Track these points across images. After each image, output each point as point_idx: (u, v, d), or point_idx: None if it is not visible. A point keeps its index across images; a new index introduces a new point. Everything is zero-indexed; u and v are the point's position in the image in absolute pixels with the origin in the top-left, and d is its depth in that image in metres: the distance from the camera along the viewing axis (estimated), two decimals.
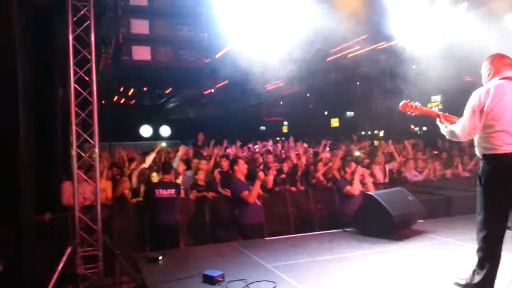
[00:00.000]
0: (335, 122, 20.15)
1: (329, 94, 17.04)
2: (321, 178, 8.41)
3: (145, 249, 6.38)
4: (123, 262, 5.45)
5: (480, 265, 3.22)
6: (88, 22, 5.24)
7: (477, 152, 3.41)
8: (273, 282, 3.55)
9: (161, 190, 6.25)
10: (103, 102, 12.81)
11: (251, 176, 6.24)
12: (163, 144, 8.97)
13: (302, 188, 8.21)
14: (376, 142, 18.33)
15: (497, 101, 3.17)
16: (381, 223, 4.98)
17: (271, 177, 6.98)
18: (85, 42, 5.21)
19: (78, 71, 5.26)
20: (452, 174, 8.83)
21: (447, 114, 3.74)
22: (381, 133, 21.36)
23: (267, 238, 5.26)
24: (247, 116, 20.35)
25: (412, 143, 10.21)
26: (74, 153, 5.36)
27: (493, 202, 3.22)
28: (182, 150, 8.45)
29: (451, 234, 5.01)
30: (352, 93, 16.79)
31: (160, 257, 4.33)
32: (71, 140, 5.37)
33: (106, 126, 5.85)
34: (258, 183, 5.73)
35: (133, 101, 18.67)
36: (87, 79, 5.25)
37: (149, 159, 7.62)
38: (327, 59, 12.83)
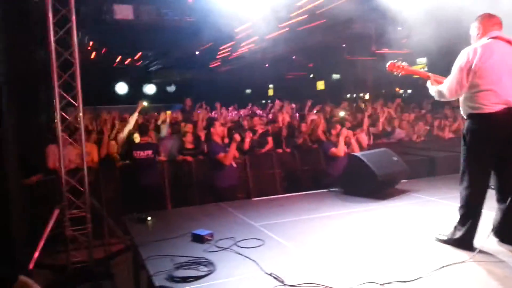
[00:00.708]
0: (321, 85, 20.08)
1: (315, 56, 16.89)
2: (306, 138, 8.48)
3: (132, 211, 6.43)
4: (111, 224, 5.51)
5: (462, 221, 3.33)
6: None
7: (462, 111, 3.45)
8: (260, 239, 3.63)
9: (139, 152, 6.29)
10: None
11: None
12: (145, 103, 8.89)
13: (288, 150, 8.29)
14: (363, 105, 18.43)
15: (484, 60, 3.19)
16: (365, 183, 5.08)
17: (247, 139, 7.02)
18: (63, 1, 5.02)
19: (58, 31, 5.11)
20: (436, 135, 8.97)
21: (436, 75, 3.75)
22: (367, 96, 21.43)
23: (255, 199, 5.34)
24: (232, 79, 20.13)
25: (397, 104, 10.28)
26: (57, 116, 5.28)
27: (477, 161, 3.29)
28: (166, 116, 8.42)
29: (434, 193, 5.13)
30: (338, 56, 16.65)
31: (149, 218, 4.37)
32: (54, 102, 5.28)
33: (89, 90, 5.72)
34: (233, 146, 5.78)
35: (116, 63, 18.24)
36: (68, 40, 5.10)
37: (133, 119, 7.57)
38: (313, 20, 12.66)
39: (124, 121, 8.22)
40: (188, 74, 20.52)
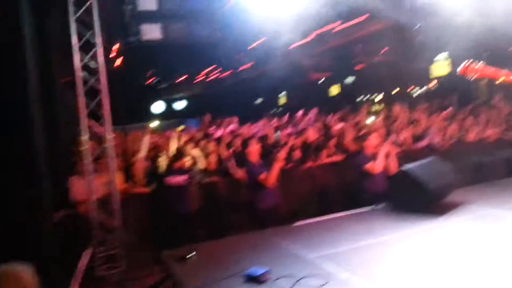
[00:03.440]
0: (334, 90, 19.71)
1: (329, 60, 16.51)
2: (333, 151, 8.11)
3: (162, 241, 6.07)
4: (146, 258, 5.17)
5: None
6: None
7: None
8: (322, 275, 3.25)
9: (172, 177, 5.94)
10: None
11: (265, 155, 5.94)
12: (152, 125, 8.60)
13: (316, 163, 7.90)
14: (375, 107, 17.97)
15: None
16: (417, 198, 4.68)
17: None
18: (87, 25, 4.70)
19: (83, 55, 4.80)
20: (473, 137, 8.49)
21: None
22: (378, 98, 20.96)
23: (297, 224, 4.94)
24: (243, 90, 19.79)
25: (424, 107, 9.86)
26: (85, 147, 4.96)
27: None
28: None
29: (488, 204, 4.73)
30: (352, 58, 16.33)
31: (190, 255, 3.99)
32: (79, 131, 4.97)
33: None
34: (277, 165, 5.43)
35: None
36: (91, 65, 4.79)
37: (145, 145, 7.25)
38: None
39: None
40: (196, 88, 20.22)
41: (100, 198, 5.65)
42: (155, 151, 7.46)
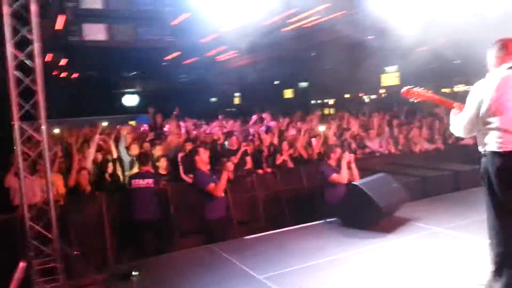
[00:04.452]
0: (288, 93, 19.87)
1: (284, 64, 16.59)
2: (287, 159, 8.05)
3: (107, 250, 5.77)
4: (85, 271, 4.85)
5: (499, 272, 2.98)
6: None
7: (480, 148, 3.12)
8: None
9: (137, 180, 5.69)
10: None
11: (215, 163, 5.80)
12: (104, 123, 8.20)
13: (268, 170, 7.82)
14: (326, 111, 18.31)
15: (499, 96, 2.85)
16: (367, 214, 4.72)
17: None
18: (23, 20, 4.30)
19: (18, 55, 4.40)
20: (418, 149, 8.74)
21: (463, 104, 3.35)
22: (331, 101, 21.36)
23: (247, 238, 4.83)
24: (198, 88, 19.51)
25: (376, 116, 10.01)
26: (18, 150, 4.57)
27: (501, 201, 2.95)
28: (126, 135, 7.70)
29: (436, 221, 4.84)
30: (307, 64, 16.47)
31: (134, 273, 3.78)
32: (14, 135, 4.56)
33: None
34: (225, 175, 5.29)
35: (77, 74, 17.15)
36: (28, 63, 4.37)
37: (94, 144, 6.87)
38: (283, 29, 12.41)
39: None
40: (150, 84, 19.70)
41: (37, 203, 5.25)
42: (103, 153, 7.10)
